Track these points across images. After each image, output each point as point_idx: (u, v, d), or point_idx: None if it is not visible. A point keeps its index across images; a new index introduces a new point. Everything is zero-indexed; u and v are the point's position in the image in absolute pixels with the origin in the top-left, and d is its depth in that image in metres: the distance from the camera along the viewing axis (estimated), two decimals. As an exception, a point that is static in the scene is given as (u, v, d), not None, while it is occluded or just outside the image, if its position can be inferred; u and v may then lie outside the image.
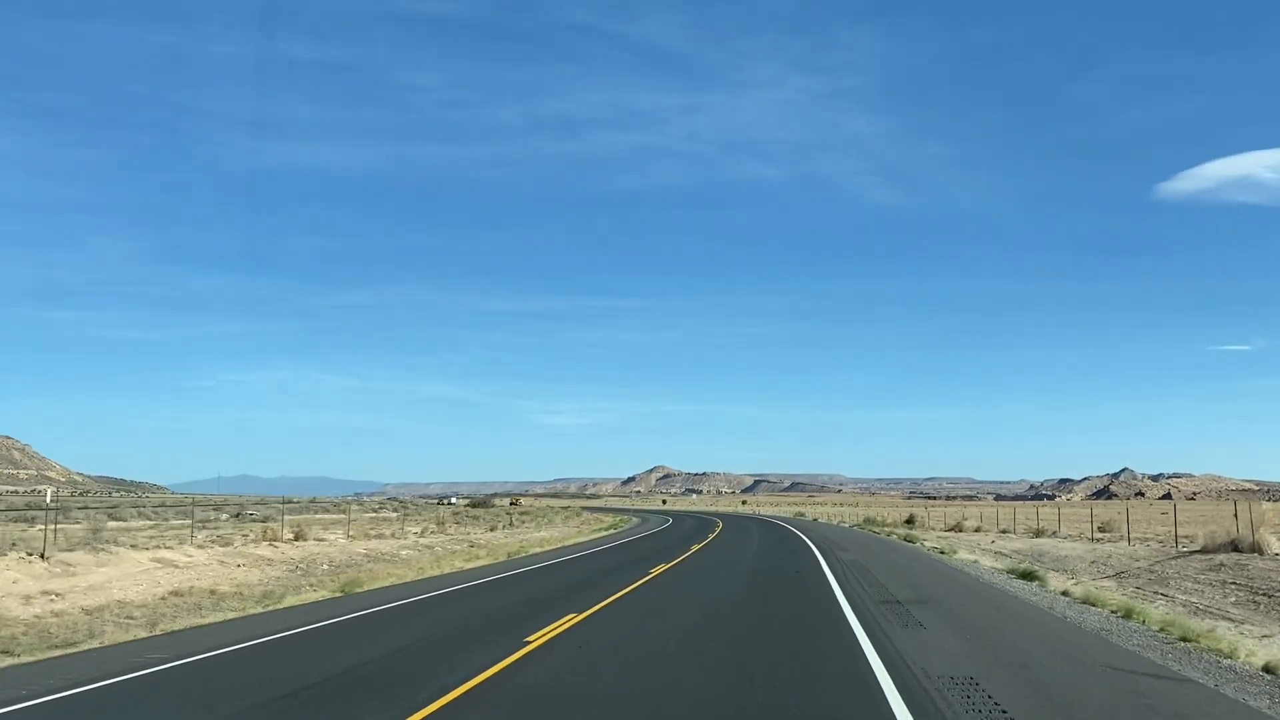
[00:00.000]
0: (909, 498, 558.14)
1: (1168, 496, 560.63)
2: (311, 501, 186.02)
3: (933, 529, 63.37)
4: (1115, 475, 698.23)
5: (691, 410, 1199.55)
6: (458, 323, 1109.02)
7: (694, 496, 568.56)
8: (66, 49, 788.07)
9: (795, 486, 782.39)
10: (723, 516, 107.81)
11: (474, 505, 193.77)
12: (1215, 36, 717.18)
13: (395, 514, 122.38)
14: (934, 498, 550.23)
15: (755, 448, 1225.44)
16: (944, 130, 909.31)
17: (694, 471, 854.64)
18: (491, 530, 61.14)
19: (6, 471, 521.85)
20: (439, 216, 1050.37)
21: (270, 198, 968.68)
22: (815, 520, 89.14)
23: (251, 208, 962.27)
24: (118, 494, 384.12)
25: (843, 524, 74.14)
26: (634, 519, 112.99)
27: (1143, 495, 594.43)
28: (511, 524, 67.06)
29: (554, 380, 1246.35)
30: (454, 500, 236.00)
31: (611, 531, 66.09)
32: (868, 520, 75.88)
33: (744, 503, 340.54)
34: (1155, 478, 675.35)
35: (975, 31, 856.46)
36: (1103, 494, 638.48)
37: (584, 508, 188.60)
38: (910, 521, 68.35)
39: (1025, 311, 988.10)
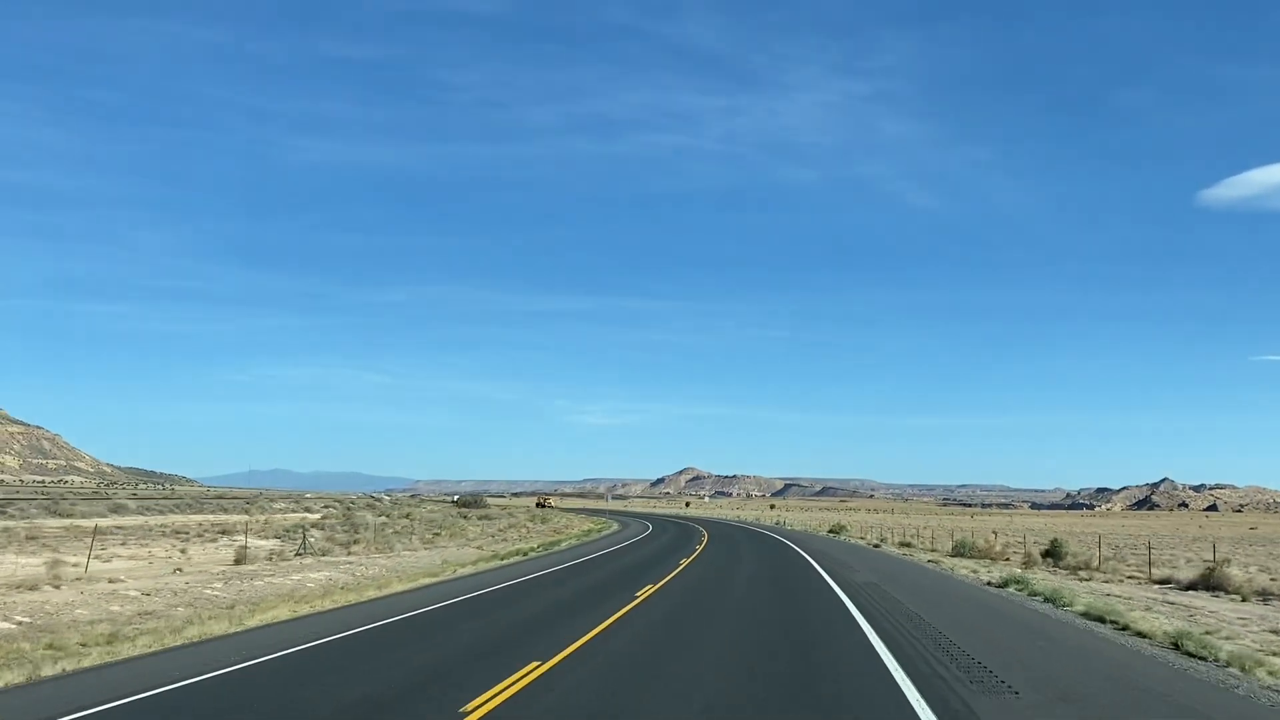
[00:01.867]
0: (944, 504, 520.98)
1: (1213, 508, 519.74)
2: (258, 494, 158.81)
3: (1123, 576, 31.11)
4: (1155, 485, 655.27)
5: (723, 413, 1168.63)
6: (491, 321, 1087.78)
7: (707, 499, 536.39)
8: (112, 46, 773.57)
9: (826, 491, 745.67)
10: (729, 531, 75.22)
11: (464, 505, 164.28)
12: (1261, 43, 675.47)
13: (319, 515, 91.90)
14: (969, 505, 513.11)
15: (786, 451, 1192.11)
16: (985, 135, 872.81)
17: (724, 474, 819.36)
18: (232, 564, 29.37)
19: (36, 461, 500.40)
20: (475, 216, 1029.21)
21: (309, 195, 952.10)
22: (874, 545, 54.65)
23: (290, 205, 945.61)
24: (142, 486, 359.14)
25: (922, 559, 39.61)
26: (614, 524, 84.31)
27: (1186, 506, 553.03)
28: (304, 547, 35.01)
29: (586, 381, 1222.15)
30: (456, 498, 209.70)
31: (513, 561, 34.65)
32: (964, 548, 43.17)
33: (772, 507, 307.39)
34: (1197, 488, 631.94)
35: (1018, 36, 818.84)
36: (1144, 504, 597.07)
37: (582, 510, 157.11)
38: (1054, 555, 35.61)
39: (1063, 318, 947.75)
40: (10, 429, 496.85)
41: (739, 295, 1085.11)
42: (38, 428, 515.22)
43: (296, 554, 33.11)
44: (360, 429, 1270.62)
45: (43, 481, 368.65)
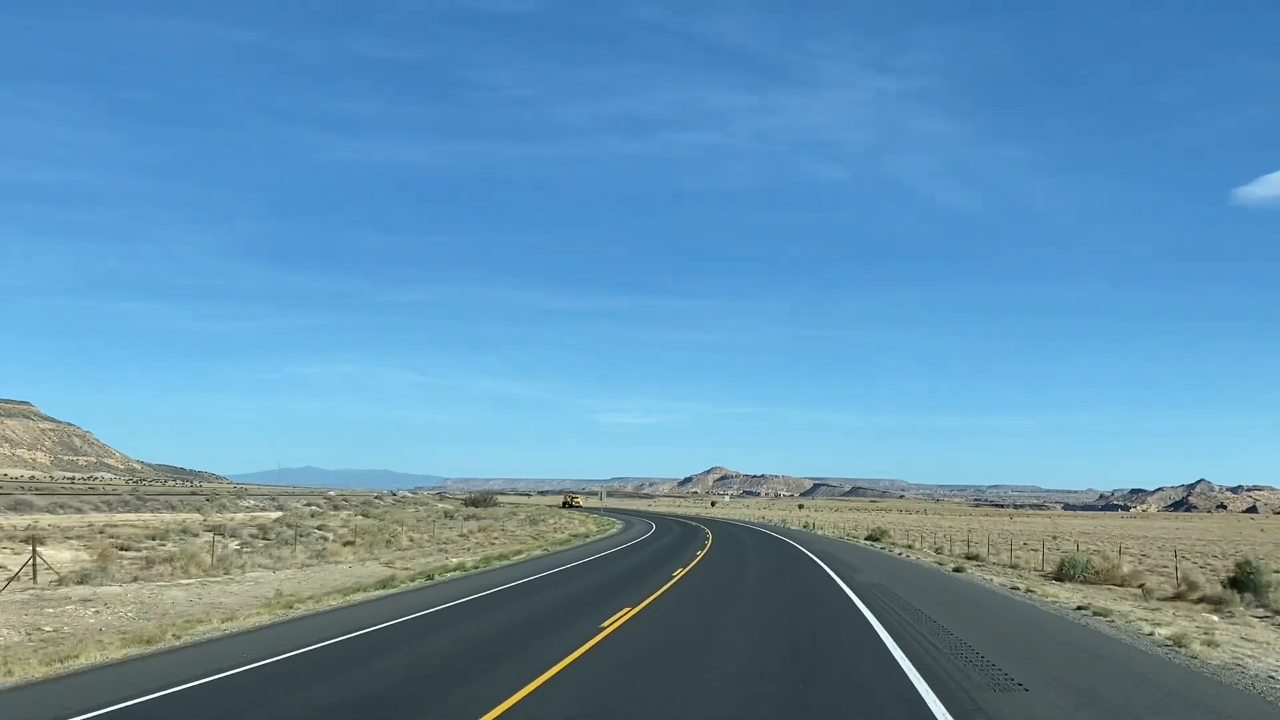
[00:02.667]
0: (976, 505, 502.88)
1: (1253, 510, 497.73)
2: (244, 490, 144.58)
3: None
4: (1191, 486, 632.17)
5: (752, 412, 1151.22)
6: (521, 320, 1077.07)
7: (728, 498, 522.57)
8: (146, 46, 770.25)
9: (855, 491, 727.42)
10: (741, 539, 60.84)
11: (473, 504, 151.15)
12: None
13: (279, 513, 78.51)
14: (1001, 506, 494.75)
15: (815, 451, 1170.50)
16: (1019, 132, 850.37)
17: (752, 473, 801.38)
18: None
19: (67, 458, 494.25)
20: (505, 215, 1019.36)
21: (339, 194, 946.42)
22: (951, 568, 35.33)
23: (321, 204, 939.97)
24: (171, 483, 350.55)
25: (1061, 601, 22.44)
26: (615, 525, 72.93)
27: (1225, 508, 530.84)
28: (34, 572, 21.76)
29: (615, 380, 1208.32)
30: (472, 496, 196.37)
31: (396, 590, 21.60)
32: (1074, 569, 29.14)
33: (800, 507, 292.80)
34: (1234, 490, 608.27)
35: (1054, 33, 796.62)
36: (1180, 506, 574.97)
37: (609, 510, 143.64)
38: (1250, 586, 22.16)
39: (1096, 317, 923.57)
40: (41, 426, 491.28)
41: (768, 294, 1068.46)
42: (69, 425, 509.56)
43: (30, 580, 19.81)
44: (391, 427, 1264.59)
45: (72, 478, 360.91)
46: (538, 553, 39.70)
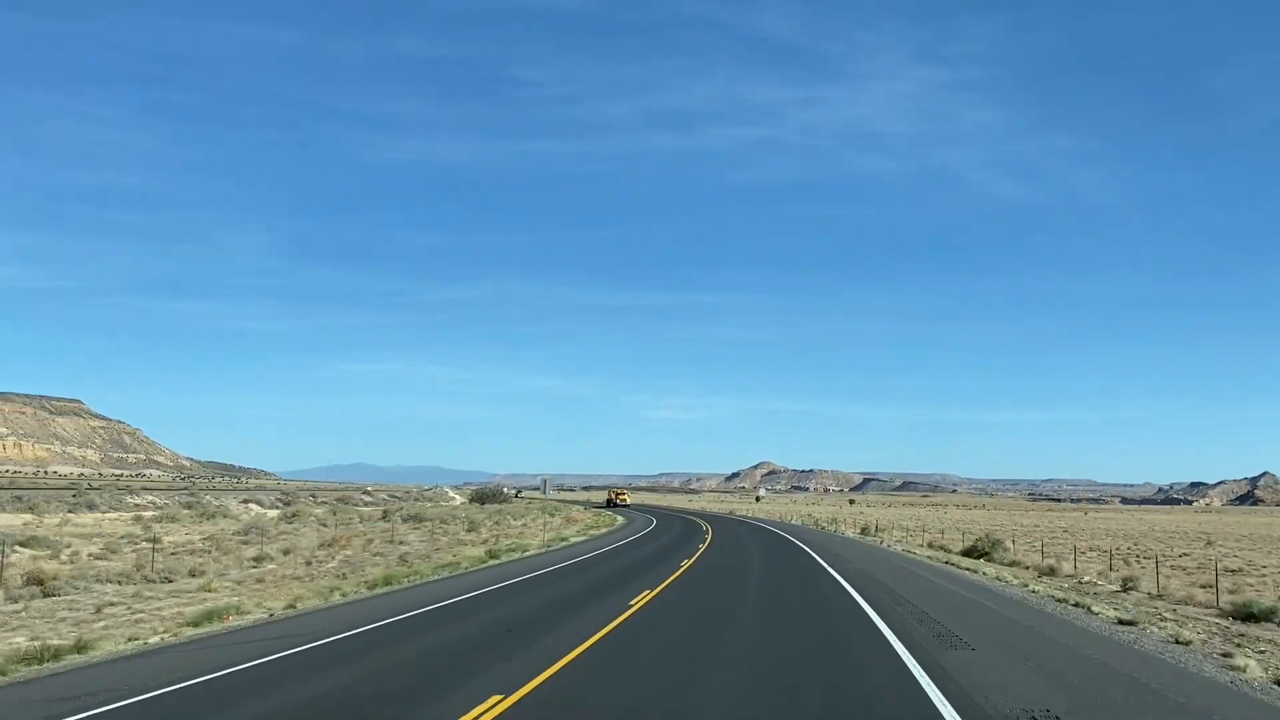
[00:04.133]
0: (1033, 500, 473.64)
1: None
2: (231, 485, 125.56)
3: None
4: (1255, 480, 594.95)
5: (800, 408, 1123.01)
6: (567, 317, 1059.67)
7: (764, 491, 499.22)
8: (194, 48, 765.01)
9: (906, 486, 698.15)
10: (748, 550, 39.76)
11: (481, 499, 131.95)
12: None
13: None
14: (1059, 500, 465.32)
15: (865, 446, 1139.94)
16: (1071, 122, 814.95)
17: (800, 469, 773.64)
18: None
19: (116, 455, 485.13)
20: (550, 212, 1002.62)
21: (386, 193, 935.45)
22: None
23: (368, 203, 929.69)
24: (218, 479, 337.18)
25: None
26: (616, 521, 55.84)
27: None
28: None
29: (662, 375, 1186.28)
30: (512, 491, 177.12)
31: None
32: None
33: (851, 502, 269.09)
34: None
35: (1106, 20, 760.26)
36: (1245, 499, 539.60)
37: (644, 505, 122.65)
38: None
39: (1152, 309, 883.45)
40: (92, 424, 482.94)
41: (815, 288, 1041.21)
42: (119, 422, 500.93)
43: None
44: (439, 423, 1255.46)
45: (119, 475, 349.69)
46: (335, 597, 18.99)
